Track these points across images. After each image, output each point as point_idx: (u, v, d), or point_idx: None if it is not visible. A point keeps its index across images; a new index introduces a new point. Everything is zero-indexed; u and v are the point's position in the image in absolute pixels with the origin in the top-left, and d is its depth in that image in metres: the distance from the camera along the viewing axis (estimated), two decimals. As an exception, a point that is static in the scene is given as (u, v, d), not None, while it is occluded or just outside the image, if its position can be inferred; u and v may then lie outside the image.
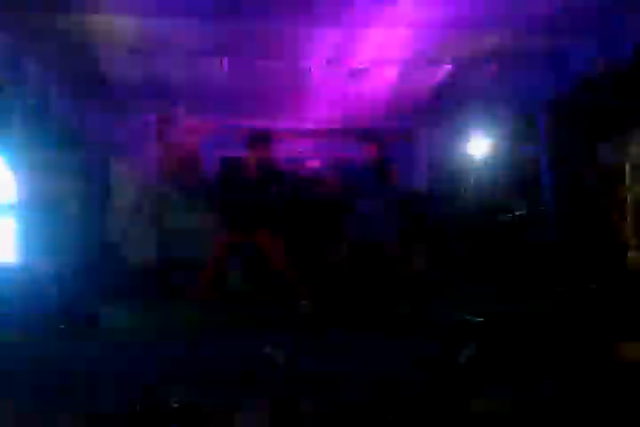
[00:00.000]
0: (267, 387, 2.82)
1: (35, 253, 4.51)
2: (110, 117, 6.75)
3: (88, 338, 2.84)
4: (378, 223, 4.23)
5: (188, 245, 6.72)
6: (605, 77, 4.53)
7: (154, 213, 6.93)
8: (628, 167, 5.82)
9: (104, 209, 6.69)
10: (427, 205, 7.10)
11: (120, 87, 5.73)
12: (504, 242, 6.77)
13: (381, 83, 5.78)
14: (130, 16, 4.20)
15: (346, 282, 4.44)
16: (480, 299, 5.17)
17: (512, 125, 6.28)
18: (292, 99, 6.27)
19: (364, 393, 2.95)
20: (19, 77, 4.49)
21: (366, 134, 4.48)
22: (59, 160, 6.41)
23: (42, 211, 5.14)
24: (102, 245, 6.23)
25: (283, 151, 7.36)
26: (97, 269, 5.83)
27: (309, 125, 7.30)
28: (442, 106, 6.55)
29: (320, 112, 6.79)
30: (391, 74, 5.54)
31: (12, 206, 4.75)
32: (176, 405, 2.77)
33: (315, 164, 7.50)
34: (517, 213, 6.59)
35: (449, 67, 5.36)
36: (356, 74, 5.55)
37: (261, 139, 4.11)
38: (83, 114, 6.15)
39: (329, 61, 5.20)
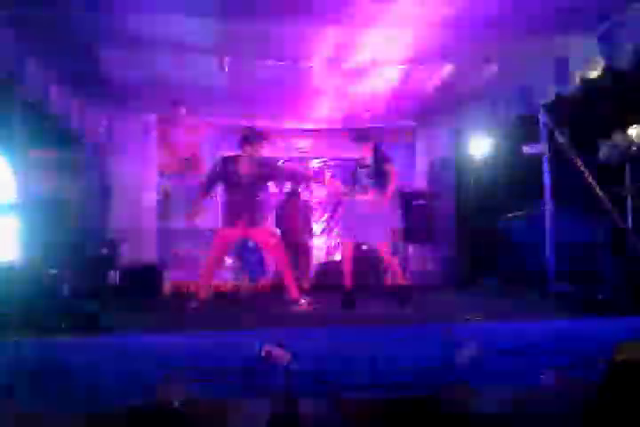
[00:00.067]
0: (267, 386, 2.82)
1: (35, 253, 4.50)
2: (111, 117, 6.75)
3: (88, 338, 2.84)
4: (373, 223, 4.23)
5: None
6: (606, 77, 4.53)
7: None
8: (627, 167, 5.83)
9: (104, 209, 6.68)
10: (427, 204, 7.11)
11: (120, 87, 5.72)
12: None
13: (381, 83, 5.78)
14: (131, 15, 4.19)
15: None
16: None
17: (512, 125, 6.28)
18: (292, 98, 6.27)
19: (364, 392, 2.95)
20: (19, 77, 4.48)
21: (362, 134, 4.46)
22: (59, 160, 6.41)
23: (42, 210, 5.14)
24: (102, 245, 6.22)
25: (283, 150, 7.40)
26: (97, 269, 5.84)
27: (309, 125, 7.31)
28: (442, 106, 6.55)
29: (320, 112, 6.79)
30: (391, 74, 5.54)
31: (12, 206, 4.75)
32: (176, 404, 2.78)
33: (315, 163, 7.51)
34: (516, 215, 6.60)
35: (449, 67, 5.36)
36: (356, 74, 5.55)
37: (254, 137, 4.12)
38: (83, 113, 6.14)
39: (329, 61, 5.20)
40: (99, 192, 6.65)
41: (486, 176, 7.02)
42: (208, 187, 4.25)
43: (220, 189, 4.58)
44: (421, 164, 7.61)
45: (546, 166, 5.54)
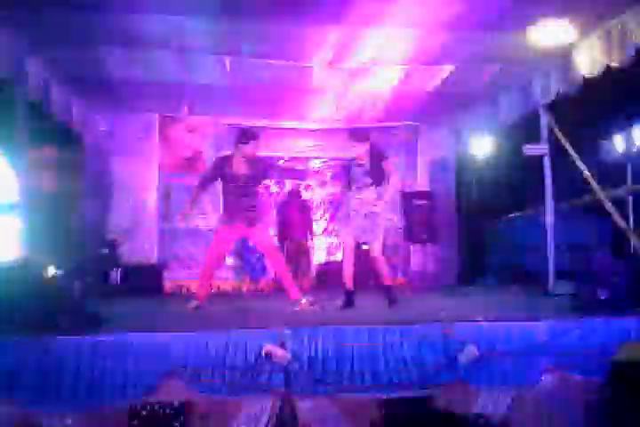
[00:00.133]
0: (267, 385, 2.82)
1: (35, 253, 4.51)
2: (111, 117, 6.75)
3: (88, 337, 2.84)
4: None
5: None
6: (606, 77, 4.52)
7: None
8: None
9: (105, 208, 6.69)
10: (428, 204, 7.11)
11: (121, 86, 5.73)
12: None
13: (382, 83, 5.78)
14: (131, 14, 4.20)
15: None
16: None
17: (513, 125, 6.28)
18: (292, 98, 6.27)
19: (363, 392, 2.95)
20: (19, 77, 4.49)
21: (357, 133, 4.46)
22: (59, 159, 6.41)
23: (43, 210, 5.14)
24: (103, 244, 6.23)
25: (283, 150, 7.40)
26: (98, 268, 5.85)
27: (310, 125, 7.31)
28: (443, 106, 6.55)
29: (320, 112, 6.79)
30: (392, 74, 5.54)
31: (13, 205, 4.75)
32: (177, 403, 2.78)
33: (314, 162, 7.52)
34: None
35: (450, 67, 5.36)
36: (356, 74, 5.55)
37: (248, 137, 4.12)
38: (83, 113, 6.15)
39: (329, 61, 5.20)
40: (99, 192, 6.66)
41: (487, 176, 7.03)
42: (203, 187, 4.25)
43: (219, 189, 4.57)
44: (422, 164, 7.61)
45: (546, 166, 5.53)
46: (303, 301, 4.09)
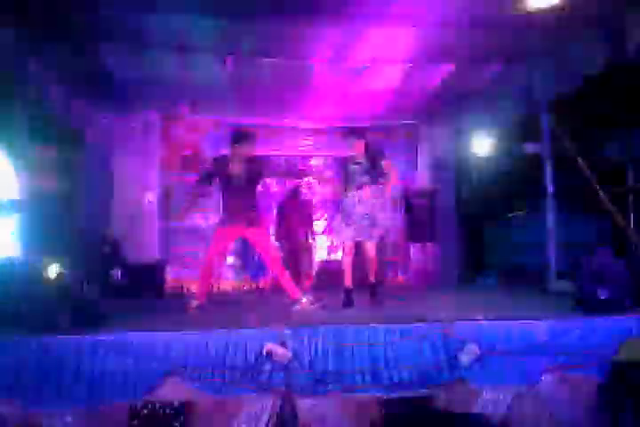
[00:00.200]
0: (268, 385, 2.82)
1: (35, 251, 4.51)
2: (112, 116, 6.75)
3: (89, 337, 2.85)
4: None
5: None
6: (608, 76, 4.52)
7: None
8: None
9: (106, 207, 6.69)
10: (429, 203, 7.11)
11: (122, 85, 5.73)
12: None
13: (383, 81, 5.78)
14: (132, 14, 4.19)
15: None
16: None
17: (513, 125, 6.27)
18: (293, 97, 6.27)
19: (364, 391, 2.95)
20: (20, 76, 4.49)
21: (354, 131, 4.46)
22: (60, 159, 6.41)
23: (43, 209, 5.14)
24: (103, 243, 6.23)
25: (284, 149, 7.40)
26: (98, 267, 5.85)
27: (311, 123, 7.31)
28: (443, 105, 6.54)
29: (321, 110, 6.79)
30: (393, 73, 5.54)
31: (14, 205, 4.75)
32: (177, 403, 2.79)
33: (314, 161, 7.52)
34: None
35: (450, 66, 5.36)
36: (357, 72, 5.55)
37: (243, 137, 4.12)
38: (84, 112, 6.15)
39: (330, 60, 5.20)
40: (100, 191, 6.65)
41: (487, 175, 7.02)
42: (200, 187, 4.25)
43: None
44: (423, 163, 7.61)
45: (547, 166, 5.53)
46: (304, 300, 4.09)
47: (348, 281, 4.31)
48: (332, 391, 2.84)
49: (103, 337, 2.84)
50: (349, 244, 4.34)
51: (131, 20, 4.28)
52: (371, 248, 4.30)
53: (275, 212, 6.84)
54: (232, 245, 4.43)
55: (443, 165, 7.49)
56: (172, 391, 2.78)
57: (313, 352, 2.91)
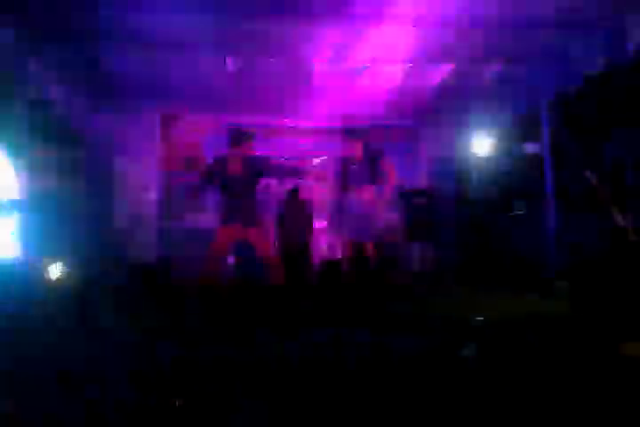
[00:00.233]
0: (268, 385, 2.82)
1: (36, 252, 4.51)
2: (113, 116, 6.74)
3: (90, 336, 2.85)
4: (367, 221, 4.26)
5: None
6: (608, 76, 4.52)
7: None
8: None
9: (106, 208, 6.69)
10: (428, 203, 7.11)
11: (123, 86, 5.73)
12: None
13: (383, 81, 5.78)
14: (133, 14, 4.20)
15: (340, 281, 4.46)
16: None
17: (513, 124, 6.27)
18: (293, 97, 6.27)
19: (365, 390, 2.95)
20: (21, 76, 4.49)
21: (351, 131, 4.47)
22: (60, 159, 6.41)
23: (44, 209, 5.15)
24: (104, 244, 6.24)
25: (283, 148, 7.40)
26: (98, 268, 5.85)
27: (310, 124, 7.31)
28: (443, 105, 6.54)
29: (321, 110, 6.79)
30: (393, 73, 5.54)
31: (15, 205, 4.76)
32: (177, 404, 2.78)
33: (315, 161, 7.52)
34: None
35: (450, 66, 5.36)
36: (357, 72, 5.55)
37: (242, 137, 4.12)
38: (85, 113, 6.15)
39: (330, 60, 5.20)
40: (100, 191, 6.66)
41: (487, 175, 7.01)
42: (200, 188, 4.26)
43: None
44: (423, 163, 7.61)
45: (547, 165, 5.53)
46: (304, 301, 4.09)
47: (345, 281, 4.34)
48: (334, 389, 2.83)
49: (104, 336, 2.84)
50: (349, 244, 4.36)
51: (131, 19, 4.28)
52: (369, 248, 4.32)
53: (275, 211, 6.84)
54: (233, 245, 4.43)
55: (443, 164, 7.49)
56: (174, 391, 2.78)
57: (314, 351, 2.91)
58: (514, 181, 6.67)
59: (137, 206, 6.89)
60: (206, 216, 6.71)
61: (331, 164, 7.34)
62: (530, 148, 5.65)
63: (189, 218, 6.77)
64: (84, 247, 5.99)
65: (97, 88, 5.80)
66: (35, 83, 4.78)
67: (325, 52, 5.02)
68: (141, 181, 6.96)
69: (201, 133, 7.24)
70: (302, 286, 5.10)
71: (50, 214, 5.35)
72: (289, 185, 7.11)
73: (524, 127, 6.12)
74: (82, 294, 4.04)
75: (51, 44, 4.58)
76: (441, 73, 5.53)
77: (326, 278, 6.76)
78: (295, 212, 6.62)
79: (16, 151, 4.62)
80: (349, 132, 4.41)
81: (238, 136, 4.16)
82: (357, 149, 4.33)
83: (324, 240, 7.32)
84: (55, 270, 4.64)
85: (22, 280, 3.28)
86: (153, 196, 7.00)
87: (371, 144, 4.54)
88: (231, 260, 6.88)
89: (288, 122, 7.29)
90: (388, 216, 6.75)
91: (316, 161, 7.53)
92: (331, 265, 6.88)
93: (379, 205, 4.33)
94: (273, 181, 7.24)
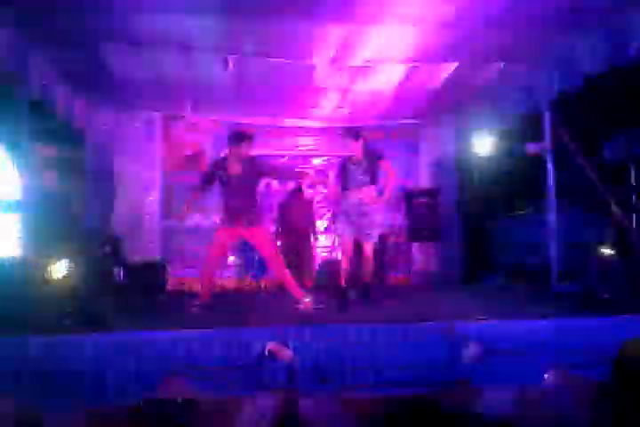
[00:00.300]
0: (269, 384, 2.82)
1: (37, 251, 4.51)
2: (114, 116, 6.75)
3: (91, 336, 2.85)
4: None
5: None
6: (609, 76, 4.51)
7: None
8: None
9: (107, 207, 6.69)
10: (430, 202, 7.10)
11: (124, 85, 5.73)
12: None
13: (384, 81, 5.77)
14: (134, 14, 4.19)
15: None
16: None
17: (515, 124, 6.26)
18: (295, 97, 6.27)
19: (365, 391, 2.95)
20: (23, 76, 4.49)
21: (351, 131, 4.48)
22: (62, 159, 6.42)
23: (45, 209, 5.15)
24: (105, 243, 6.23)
25: (284, 148, 7.40)
26: (100, 267, 5.85)
27: (312, 123, 7.30)
28: (445, 104, 6.54)
29: (323, 110, 6.78)
30: (394, 72, 5.53)
31: (16, 204, 4.77)
32: (180, 401, 2.78)
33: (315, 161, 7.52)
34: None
35: (451, 65, 5.35)
36: (358, 72, 5.54)
37: (240, 138, 4.12)
38: (86, 112, 6.15)
39: (332, 59, 5.19)
40: (101, 191, 6.66)
41: (489, 175, 7.00)
42: (200, 186, 4.27)
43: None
44: (424, 162, 7.60)
45: (549, 165, 5.52)
46: (306, 300, 4.09)
47: (343, 281, 4.34)
48: (334, 390, 2.83)
49: (105, 336, 2.84)
50: (349, 244, 4.36)
51: (131, 19, 4.27)
52: (368, 248, 4.33)
53: (276, 211, 6.84)
54: (233, 245, 4.43)
55: (444, 164, 7.48)
56: (175, 390, 2.78)
57: (315, 351, 2.90)
58: (515, 180, 6.66)
59: (137, 206, 6.89)
60: (207, 216, 6.71)
61: (334, 163, 7.36)
62: (531, 147, 5.63)
63: (190, 218, 6.76)
64: (85, 247, 5.98)
65: (98, 88, 5.80)
66: (36, 83, 4.78)
67: (326, 52, 5.01)
68: (142, 181, 6.96)
69: (202, 133, 7.23)
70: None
71: (51, 214, 5.35)
72: (290, 185, 7.11)
73: (526, 127, 6.11)
74: (83, 293, 4.04)
75: (51, 44, 4.58)
76: (442, 72, 5.52)
77: (327, 278, 6.76)
78: (296, 211, 6.61)
79: (18, 151, 4.63)
80: (349, 133, 4.42)
81: (238, 136, 4.17)
82: (357, 150, 4.34)
83: (325, 240, 7.31)
84: (57, 270, 4.64)
85: (24, 280, 3.28)
86: (153, 195, 7.00)
87: (371, 145, 4.55)
88: (232, 260, 6.89)
89: (289, 122, 7.28)
90: (389, 216, 6.76)
91: (316, 162, 7.52)
92: (331, 265, 6.89)
93: (379, 205, 4.33)
94: (274, 181, 7.23)
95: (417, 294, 5.81)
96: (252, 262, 6.68)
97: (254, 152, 4.34)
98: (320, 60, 5.23)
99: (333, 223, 4.57)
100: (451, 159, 7.47)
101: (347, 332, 2.96)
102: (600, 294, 3.44)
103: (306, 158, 7.53)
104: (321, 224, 7.21)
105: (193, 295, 4.48)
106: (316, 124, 7.31)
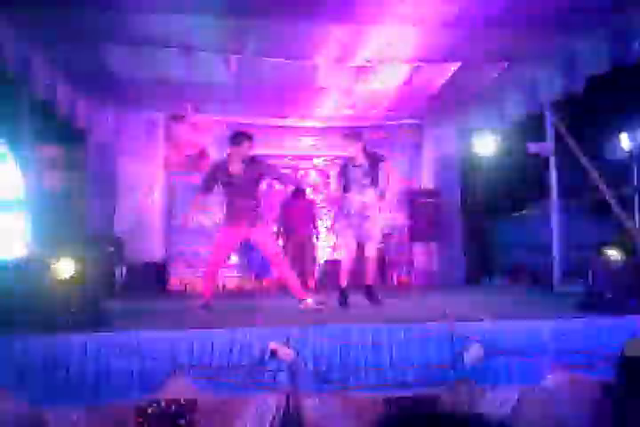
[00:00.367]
0: (272, 384, 2.83)
1: (40, 251, 4.53)
2: (117, 115, 6.77)
3: (94, 335, 2.86)
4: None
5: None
6: (611, 76, 4.51)
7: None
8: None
9: (110, 206, 6.71)
10: (433, 202, 7.10)
11: (126, 85, 5.74)
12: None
13: (386, 81, 5.77)
14: (136, 14, 4.20)
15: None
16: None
17: (518, 124, 6.25)
18: (297, 97, 6.27)
19: (366, 391, 2.96)
20: (26, 76, 4.51)
21: (351, 133, 4.50)
22: (65, 158, 6.44)
23: (48, 208, 5.17)
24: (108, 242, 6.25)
25: (286, 148, 7.41)
26: (103, 267, 5.87)
27: (314, 123, 7.31)
28: (448, 104, 6.53)
29: (325, 110, 6.79)
30: (396, 72, 5.53)
31: (18, 203, 4.79)
32: (182, 401, 2.80)
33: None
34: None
35: (454, 65, 5.34)
36: (361, 72, 5.54)
37: (240, 138, 4.14)
38: (89, 112, 6.17)
39: (334, 59, 5.20)
40: (104, 190, 6.68)
41: (492, 175, 7.01)
42: (204, 188, 4.28)
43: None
44: (427, 162, 7.59)
45: (551, 165, 5.52)
46: (309, 300, 4.10)
47: (344, 281, 4.36)
48: (336, 390, 2.84)
49: (108, 336, 2.85)
50: (352, 244, 4.38)
51: (131, 19, 4.28)
52: (370, 249, 4.35)
53: (278, 211, 6.85)
54: (236, 245, 4.45)
55: (446, 164, 7.47)
56: (177, 390, 2.79)
57: (318, 351, 2.91)
58: (518, 180, 6.66)
59: (140, 206, 6.90)
60: (209, 216, 6.72)
61: (336, 163, 7.35)
62: (534, 148, 5.63)
63: (193, 218, 6.78)
64: (89, 246, 6.00)
65: (100, 88, 5.81)
66: (38, 83, 4.80)
67: (329, 52, 5.01)
68: (145, 181, 6.97)
69: (204, 133, 7.24)
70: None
71: (54, 214, 5.37)
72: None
73: (528, 127, 6.11)
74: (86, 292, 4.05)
75: (53, 44, 4.59)
76: (444, 72, 5.52)
77: (329, 278, 6.77)
78: (298, 211, 6.62)
79: (22, 150, 4.65)
80: (350, 135, 4.44)
81: (238, 136, 4.19)
82: (358, 152, 4.36)
83: (328, 240, 7.32)
84: (60, 270, 4.65)
85: (29, 279, 3.29)
86: (156, 195, 7.02)
87: (371, 147, 4.57)
88: (234, 259, 6.91)
89: (291, 122, 7.29)
90: (391, 216, 6.76)
91: (317, 161, 7.53)
92: (333, 265, 6.90)
93: (380, 206, 4.36)
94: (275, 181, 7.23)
95: (418, 294, 5.82)
96: (255, 262, 6.69)
97: (256, 152, 4.35)
98: (321, 60, 5.23)
99: (336, 225, 4.58)
100: (452, 159, 7.47)
101: (348, 332, 2.97)
102: (601, 294, 3.44)
103: (307, 158, 7.53)
104: (323, 224, 7.21)
105: (195, 295, 4.49)
106: (318, 124, 7.31)
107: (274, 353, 2.84)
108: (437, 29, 4.52)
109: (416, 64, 5.32)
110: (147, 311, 4.19)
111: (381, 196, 4.36)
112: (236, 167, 4.14)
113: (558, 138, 5.46)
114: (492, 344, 2.95)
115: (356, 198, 4.30)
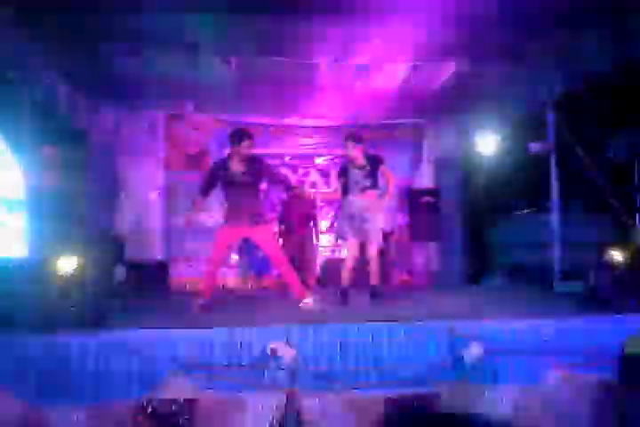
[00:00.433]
0: (272, 383, 2.83)
1: (41, 250, 4.53)
2: (117, 115, 6.77)
3: (94, 335, 2.86)
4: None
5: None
6: (612, 76, 4.51)
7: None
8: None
9: (111, 206, 6.71)
10: (434, 202, 7.10)
11: (127, 85, 5.74)
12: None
13: (386, 80, 5.77)
14: (136, 13, 4.20)
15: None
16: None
17: (519, 124, 6.25)
18: (298, 96, 6.27)
19: (366, 390, 2.96)
20: (25, 76, 4.51)
21: (353, 134, 4.52)
22: (66, 158, 6.43)
23: (49, 208, 5.17)
24: (108, 242, 6.25)
25: (287, 147, 7.42)
26: (103, 266, 5.87)
27: (315, 122, 7.31)
28: (449, 104, 6.53)
29: (326, 109, 6.79)
30: (396, 71, 5.53)
31: (20, 203, 4.78)
32: (182, 400, 2.80)
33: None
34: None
35: (454, 65, 5.34)
36: (362, 71, 5.54)
37: (240, 136, 4.14)
38: (90, 112, 6.17)
39: (334, 59, 5.20)
40: (105, 190, 6.68)
41: (493, 174, 7.00)
42: (205, 189, 4.28)
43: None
44: (427, 162, 7.59)
45: (552, 165, 5.52)
46: (309, 299, 4.10)
47: (345, 281, 4.38)
48: (336, 390, 2.84)
49: (108, 335, 2.86)
50: (354, 244, 4.42)
51: (135, 18, 4.29)
52: (372, 249, 4.39)
53: (279, 210, 6.85)
54: (236, 244, 4.45)
55: (447, 164, 7.48)
56: (177, 389, 2.80)
57: (317, 351, 2.92)
58: (519, 180, 6.65)
59: (140, 206, 6.91)
60: (210, 215, 6.72)
61: (337, 163, 7.36)
62: (535, 147, 5.63)
63: (193, 217, 6.78)
64: (88, 246, 6.01)
65: (100, 88, 5.81)
66: (39, 83, 4.80)
67: (329, 51, 5.02)
68: (145, 180, 6.98)
69: (204, 132, 7.25)
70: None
71: (54, 213, 5.37)
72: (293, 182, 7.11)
73: (529, 126, 6.11)
74: (87, 292, 4.05)
75: (53, 44, 4.59)
76: (445, 71, 5.52)
77: (330, 277, 6.77)
78: (299, 210, 6.61)
79: (22, 150, 4.65)
80: (351, 136, 4.46)
81: (239, 135, 4.18)
82: (358, 153, 4.40)
83: (328, 239, 7.32)
84: (62, 269, 4.65)
85: (30, 279, 3.30)
86: (156, 195, 7.02)
87: (371, 148, 4.60)
88: (235, 258, 6.91)
89: (291, 121, 7.29)
90: (391, 216, 6.76)
91: (318, 161, 7.53)
92: (333, 264, 6.90)
93: (381, 207, 4.39)
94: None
95: (418, 293, 5.82)
96: (255, 262, 6.69)
97: (256, 151, 4.35)
98: (321, 59, 5.24)
99: (337, 226, 4.61)
100: (452, 159, 7.47)
101: (348, 331, 2.97)
102: (601, 294, 3.44)
103: (307, 157, 7.53)
104: (323, 224, 7.22)
105: (195, 294, 4.49)
106: (318, 123, 7.32)
107: (274, 353, 2.84)
108: (437, 29, 4.52)
109: (416, 63, 5.32)
110: (147, 311, 4.19)
111: (381, 197, 4.40)
112: (237, 166, 4.15)
113: (560, 137, 5.46)
114: (492, 343, 2.95)
115: (357, 200, 4.33)
